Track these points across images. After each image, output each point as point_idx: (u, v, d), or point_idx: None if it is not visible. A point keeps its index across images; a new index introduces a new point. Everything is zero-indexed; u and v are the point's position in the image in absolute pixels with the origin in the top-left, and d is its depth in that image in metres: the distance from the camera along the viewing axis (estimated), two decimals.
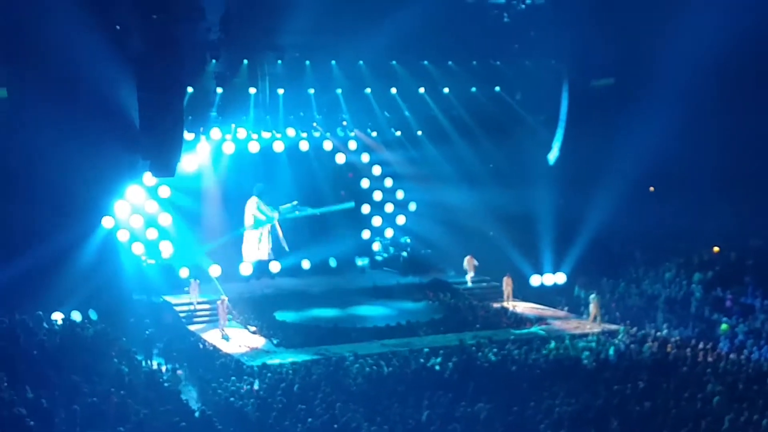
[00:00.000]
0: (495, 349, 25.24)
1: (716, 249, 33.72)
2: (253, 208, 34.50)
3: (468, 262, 34.02)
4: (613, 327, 28.64)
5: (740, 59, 32.00)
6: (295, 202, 35.03)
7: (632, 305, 30.87)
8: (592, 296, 30.14)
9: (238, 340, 27.28)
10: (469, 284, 33.81)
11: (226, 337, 27.09)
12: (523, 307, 31.66)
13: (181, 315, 29.55)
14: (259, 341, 27.57)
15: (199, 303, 29.97)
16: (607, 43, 33.73)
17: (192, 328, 28.74)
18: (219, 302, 28.70)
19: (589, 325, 29.16)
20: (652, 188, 37.35)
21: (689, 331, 28.29)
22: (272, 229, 34.73)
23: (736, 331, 27.28)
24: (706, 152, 32.84)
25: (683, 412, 20.21)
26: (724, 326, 27.61)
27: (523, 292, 32.71)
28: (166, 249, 32.18)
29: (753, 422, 19.64)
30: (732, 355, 25.06)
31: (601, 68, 34.91)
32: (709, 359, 24.53)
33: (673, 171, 34.20)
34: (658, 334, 27.43)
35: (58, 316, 26.31)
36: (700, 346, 25.64)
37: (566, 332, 28.16)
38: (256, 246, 34.68)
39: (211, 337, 27.65)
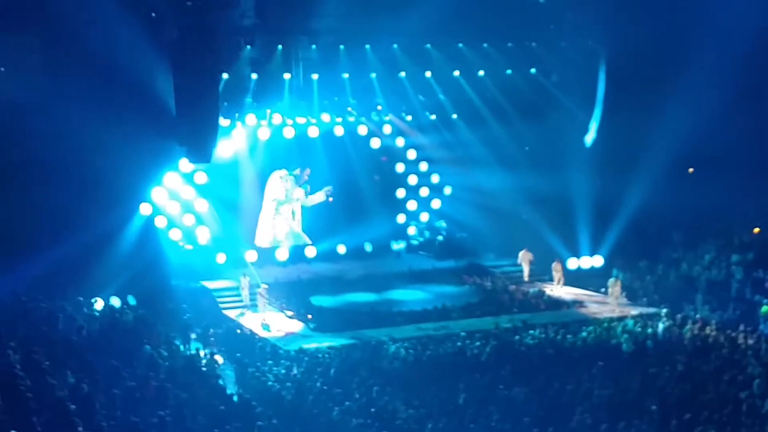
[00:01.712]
0: (531, 332, 25.17)
1: (757, 230, 33.28)
2: (278, 181, 34.56)
3: (523, 257, 33.37)
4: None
5: None
6: (328, 188, 35.17)
7: (671, 287, 30.56)
8: (612, 279, 30.04)
9: (276, 325, 27.41)
10: (526, 279, 33.17)
11: (266, 327, 27.06)
12: (560, 291, 31.48)
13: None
14: (296, 326, 27.72)
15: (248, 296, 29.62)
16: (644, 23, 33.28)
17: (230, 313, 28.89)
18: (259, 290, 28.87)
19: (609, 307, 29.03)
20: (691, 169, 36.90)
21: (729, 313, 27.97)
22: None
23: None
24: (746, 132, 32.34)
25: (723, 395, 20.04)
26: (764, 308, 27.24)
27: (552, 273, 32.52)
28: (203, 234, 32.41)
29: None
30: None
31: (638, 48, 34.45)
32: (750, 341, 24.26)
33: (713, 151, 33.70)
34: (698, 316, 27.18)
35: (98, 302, 26.62)
36: (741, 328, 25.37)
37: (604, 315, 27.99)
38: (288, 224, 34.73)
39: (249, 322, 27.83)
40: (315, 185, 34.91)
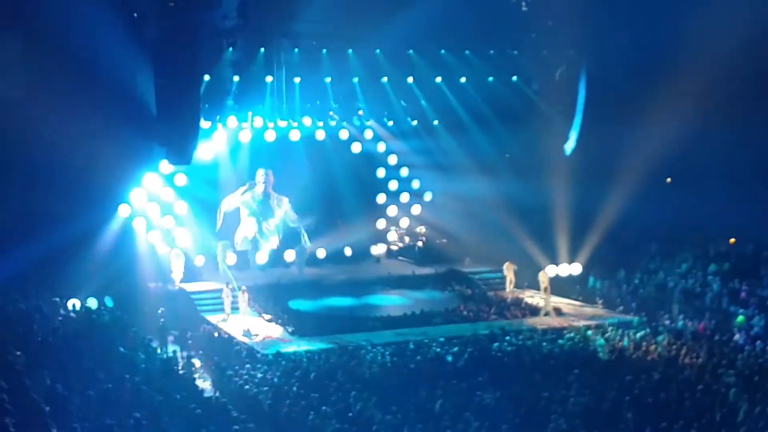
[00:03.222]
0: (509, 339, 25.23)
1: (732, 240, 33.53)
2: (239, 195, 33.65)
3: (507, 269, 33.21)
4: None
5: (760, 51, 31.68)
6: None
7: (648, 296, 30.73)
8: (541, 271, 31.06)
9: (254, 329, 27.31)
10: (508, 290, 32.81)
11: (247, 333, 26.96)
12: (538, 298, 31.57)
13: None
14: (274, 330, 27.63)
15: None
16: (625, 33, 33.50)
17: (209, 317, 28.74)
18: (240, 292, 28.76)
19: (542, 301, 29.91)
20: (669, 179, 37.14)
21: (705, 322, 28.15)
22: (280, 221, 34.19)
23: (752, 323, 27.10)
24: (724, 144, 32.62)
25: (698, 404, 20.14)
26: (740, 318, 27.45)
27: (538, 282, 32.59)
28: (182, 237, 32.26)
29: None
30: (747, 347, 24.94)
31: (619, 58, 34.68)
32: (725, 351, 24.42)
33: (691, 162, 33.98)
34: (673, 325, 27.34)
35: (74, 303, 26.45)
36: (716, 337, 25.52)
37: (581, 323, 28.10)
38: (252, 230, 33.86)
39: (227, 325, 27.72)
40: (296, 190, 34.64)
